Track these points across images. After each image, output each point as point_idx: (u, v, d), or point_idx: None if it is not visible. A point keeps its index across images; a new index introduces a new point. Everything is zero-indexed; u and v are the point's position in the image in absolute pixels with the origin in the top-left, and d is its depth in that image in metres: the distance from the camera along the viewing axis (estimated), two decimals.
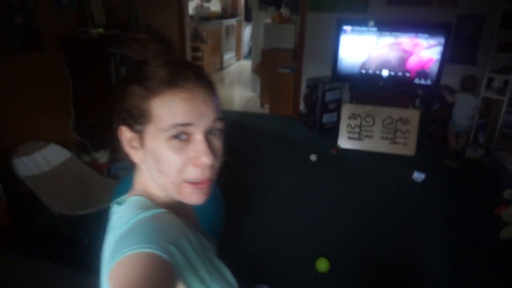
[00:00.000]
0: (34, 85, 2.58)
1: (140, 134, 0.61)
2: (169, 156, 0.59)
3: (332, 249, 2.25)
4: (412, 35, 3.68)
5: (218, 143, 0.63)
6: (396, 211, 2.71)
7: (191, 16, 6.26)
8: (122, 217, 0.62)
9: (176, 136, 0.58)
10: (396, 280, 2.06)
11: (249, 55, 8.33)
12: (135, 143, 0.63)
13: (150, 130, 0.60)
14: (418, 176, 3.13)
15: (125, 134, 0.63)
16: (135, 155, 0.64)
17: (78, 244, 2.21)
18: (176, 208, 0.68)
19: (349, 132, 3.80)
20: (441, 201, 2.86)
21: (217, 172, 0.66)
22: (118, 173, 2.82)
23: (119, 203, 0.68)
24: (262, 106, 5.15)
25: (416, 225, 2.56)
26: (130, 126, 0.62)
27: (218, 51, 7.29)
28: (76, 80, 2.82)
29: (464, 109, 3.64)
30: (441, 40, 3.61)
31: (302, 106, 4.53)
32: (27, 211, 2.35)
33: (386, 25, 3.74)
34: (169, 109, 0.58)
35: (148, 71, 0.60)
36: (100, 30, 2.77)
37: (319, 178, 3.20)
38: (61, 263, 1.97)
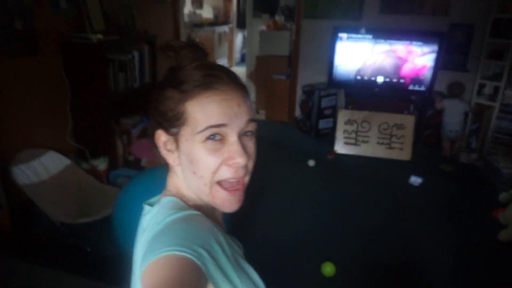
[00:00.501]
0: (32, 90, 2.54)
1: (175, 136, 0.63)
2: (204, 157, 0.60)
3: (335, 253, 2.26)
4: (407, 42, 3.76)
5: (251, 144, 0.64)
6: (396, 215, 2.75)
7: (184, 23, 6.27)
8: (155, 217, 0.63)
9: (211, 138, 0.59)
10: (397, 282, 2.08)
11: (241, 62, 8.37)
12: (170, 146, 0.65)
13: (185, 133, 0.61)
14: (415, 180, 3.18)
15: (161, 138, 0.65)
16: (171, 158, 0.65)
17: (79, 252, 2.17)
18: (207, 211, 0.69)
19: (345, 137, 3.84)
20: (439, 204, 2.91)
21: (250, 175, 0.67)
22: (117, 180, 2.78)
23: (151, 204, 0.70)
24: (257, 112, 5.17)
25: (415, 228, 2.59)
26: (166, 129, 0.64)
27: (211, 58, 7.16)
28: (74, 86, 2.78)
29: (453, 115, 3.70)
30: (435, 47, 3.70)
31: (297, 112, 4.56)
32: (28, 218, 2.30)
33: (381, 32, 3.82)
34: (204, 111, 0.59)
35: (183, 75, 0.62)
36: (99, 36, 2.75)
37: (318, 182, 3.22)
38: (63, 269, 1.93)
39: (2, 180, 2.10)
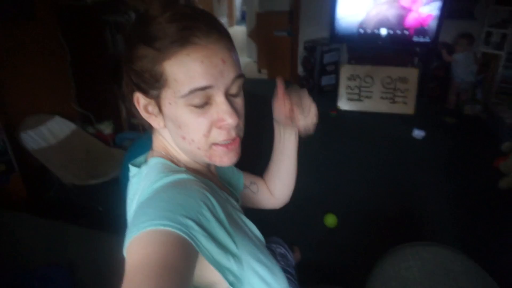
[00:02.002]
0: (31, 56, 2.53)
1: (156, 99, 0.57)
2: (192, 122, 0.56)
3: (338, 205, 2.34)
4: None
5: (239, 100, 0.61)
6: (398, 167, 2.79)
7: None
8: (144, 180, 0.60)
9: (197, 102, 0.55)
10: (400, 231, 2.16)
11: (242, 20, 8.15)
12: (152, 109, 0.59)
13: (167, 95, 0.56)
14: (418, 133, 3.20)
15: (140, 101, 0.59)
16: (154, 121, 0.60)
17: (92, 213, 2.27)
18: (200, 167, 0.67)
19: (348, 93, 3.82)
20: (441, 156, 2.94)
21: (243, 130, 0.64)
22: (124, 143, 2.84)
23: (137, 165, 0.67)
24: (259, 71, 5.11)
25: (418, 179, 2.65)
26: (145, 92, 0.57)
27: None
28: (73, 50, 2.76)
29: (466, 67, 3.63)
30: None
31: (300, 70, 4.51)
32: (41, 182, 2.39)
33: None
34: (185, 72, 0.53)
35: (156, 29, 0.54)
36: None
37: (320, 139, 3.25)
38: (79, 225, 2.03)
39: (13, 145, 2.15)
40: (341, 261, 1.94)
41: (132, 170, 0.66)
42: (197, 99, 0.55)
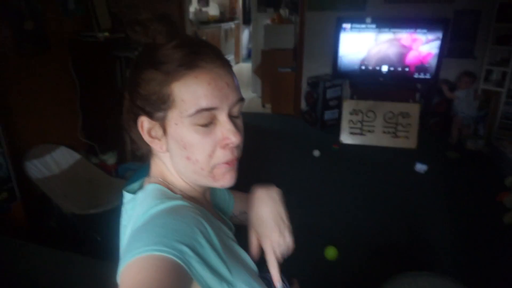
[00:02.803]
0: (43, 89, 2.64)
1: (161, 121, 0.59)
2: (198, 141, 0.58)
3: (339, 238, 2.30)
4: (411, 30, 3.74)
5: (240, 122, 0.64)
6: (401, 201, 2.77)
7: (190, 21, 6.34)
8: (139, 206, 0.60)
9: (202, 122, 0.57)
10: (402, 264, 2.11)
11: (248, 57, 8.41)
12: (156, 132, 0.61)
13: (174, 116, 0.58)
14: (420, 167, 3.18)
15: (144, 124, 0.60)
16: (157, 145, 0.62)
17: (90, 242, 2.26)
18: (196, 195, 0.68)
19: (351, 127, 3.85)
20: (444, 190, 2.91)
21: (241, 151, 0.66)
22: (126, 174, 2.87)
23: (132, 191, 0.67)
24: (263, 106, 5.21)
25: (421, 214, 2.61)
26: (150, 115, 0.59)
27: None
28: (83, 83, 2.87)
29: (467, 101, 3.67)
30: (439, 34, 3.68)
31: (303, 104, 4.59)
32: (42, 211, 2.40)
33: (385, 21, 3.81)
34: (193, 92, 0.56)
35: (164, 54, 0.57)
36: (106, 33, 2.83)
37: (323, 172, 3.26)
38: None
39: (17, 174, 2.19)
40: None
41: (126, 196, 0.67)
42: (202, 119, 0.57)
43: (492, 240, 2.32)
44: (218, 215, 0.77)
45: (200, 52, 0.57)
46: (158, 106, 0.58)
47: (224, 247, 0.59)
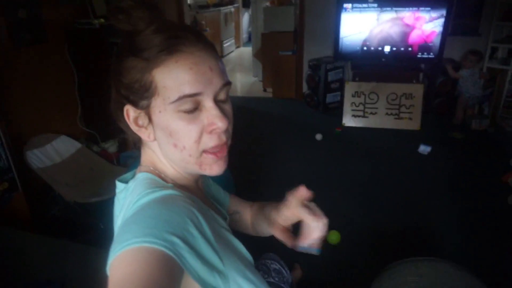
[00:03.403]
0: (41, 78, 2.61)
1: (146, 109, 0.58)
2: (183, 128, 0.56)
3: (342, 222, 2.29)
4: (413, 8, 3.65)
5: (228, 107, 0.61)
6: (404, 183, 2.74)
7: (189, 5, 6.23)
8: (131, 195, 0.59)
9: (186, 108, 0.56)
10: (405, 247, 2.10)
11: (248, 41, 8.30)
12: (142, 121, 0.60)
13: (157, 104, 0.56)
14: (424, 148, 3.15)
15: (130, 113, 0.59)
16: (144, 134, 0.60)
17: (94, 230, 2.27)
18: (187, 184, 0.67)
19: (353, 110, 3.81)
20: (448, 171, 2.88)
21: (231, 136, 0.64)
22: (128, 162, 2.87)
23: (124, 180, 0.67)
24: (264, 90, 5.16)
25: (424, 195, 2.59)
26: (134, 103, 0.58)
27: (217, 39, 7.27)
28: (81, 71, 2.84)
29: (472, 80, 3.60)
30: (443, 12, 3.58)
31: (305, 88, 4.54)
32: (44, 201, 2.41)
33: (387, 0, 3.71)
34: (174, 78, 0.54)
35: (142, 40, 0.56)
36: (102, 20, 2.78)
37: (326, 155, 3.23)
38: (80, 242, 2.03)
39: (17, 164, 2.19)
40: (344, 278, 1.89)
41: (119, 186, 0.66)
42: (186, 105, 0.55)
43: (497, 221, 2.30)
44: (212, 204, 0.76)
45: (180, 36, 0.56)
46: (141, 94, 0.57)
47: (217, 237, 0.58)
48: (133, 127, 0.60)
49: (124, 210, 0.58)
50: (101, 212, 2.34)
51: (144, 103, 0.57)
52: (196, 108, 0.56)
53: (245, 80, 5.94)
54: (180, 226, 0.51)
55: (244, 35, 8.78)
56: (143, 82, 0.56)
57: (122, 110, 0.60)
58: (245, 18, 8.58)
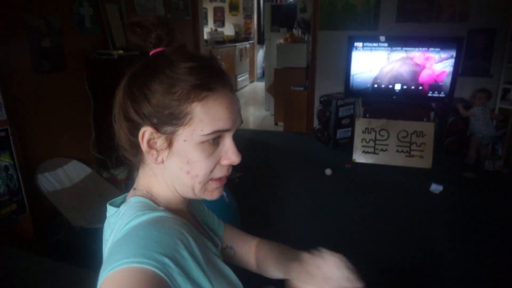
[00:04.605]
0: (59, 104, 2.71)
1: (168, 135, 0.59)
2: (203, 160, 0.60)
3: (350, 259, 2.22)
4: (423, 49, 3.71)
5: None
6: (415, 221, 2.67)
7: (206, 41, 6.48)
8: (121, 219, 0.59)
9: (211, 142, 0.60)
10: (415, 287, 2.02)
11: (262, 76, 8.49)
12: (157, 144, 0.60)
13: (184, 133, 0.58)
14: (435, 187, 3.09)
15: (146, 135, 0.59)
16: (152, 156, 0.60)
17: (97, 255, 2.25)
18: (180, 208, 0.67)
19: (363, 146, 3.80)
20: (460, 211, 2.80)
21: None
22: None
23: (115, 204, 0.67)
24: (276, 124, 5.21)
25: (435, 235, 2.51)
26: (156, 126, 0.58)
27: (232, 74, 7.47)
28: (97, 99, 2.94)
29: (484, 118, 3.57)
30: (453, 53, 3.63)
31: (315, 123, 4.57)
32: (50, 225, 2.41)
33: (397, 40, 3.79)
34: (212, 115, 0.58)
35: (181, 71, 0.57)
36: (120, 51, 2.91)
37: (335, 191, 3.19)
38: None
39: (27, 186, 2.22)
40: None
41: (110, 210, 0.66)
42: (212, 139, 0.60)
43: (509, 264, 2.20)
44: (203, 230, 0.76)
45: (216, 75, 0.60)
46: (169, 121, 0.58)
47: (207, 261, 0.58)
48: (144, 147, 0.60)
49: (114, 232, 0.58)
50: None
51: (169, 129, 0.58)
52: (216, 143, 0.61)
53: (258, 114, 6.03)
54: (170, 247, 0.51)
55: (258, 70, 9.00)
56: (178, 110, 0.57)
57: (132, 128, 0.61)
58: (260, 54, 8.84)
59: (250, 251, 0.91)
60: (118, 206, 0.65)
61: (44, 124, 2.60)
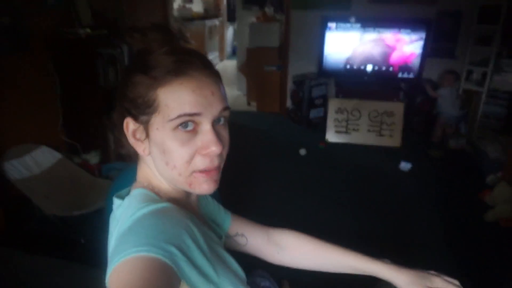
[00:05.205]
0: (22, 87, 2.54)
1: (145, 124, 0.60)
2: (176, 149, 0.58)
3: (325, 237, 2.30)
4: (395, 30, 3.79)
5: (224, 131, 0.64)
6: (385, 199, 2.80)
7: (174, 17, 6.24)
8: (125, 211, 0.60)
9: (183, 125, 0.58)
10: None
11: (232, 55, 8.36)
12: (140, 135, 0.62)
13: (156, 121, 0.59)
14: (404, 165, 3.23)
15: (129, 126, 0.62)
16: (140, 147, 0.63)
17: (74, 245, 2.20)
18: (181, 200, 0.68)
19: (336, 126, 3.88)
20: (428, 188, 2.96)
21: (224, 161, 0.67)
22: (110, 173, 2.80)
23: (121, 197, 0.68)
24: (248, 104, 5.19)
25: (405, 211, 2.65)
26: (135, 117, 0.61)
27: (202, 52, 7.28)
28: (64, 81, 2.78)
29: (452, 102, 3.74)
30: (422, 35, 3.74)
31: (289, 103, 4.59)
32: (22, 213, 2.31)
33: (369, 21, 3.84)
34: (177, 99, 0.57)
35: (153, 59, 0.59)
36: (88, 30, 2.75)
37: (309, 171, 3.26)
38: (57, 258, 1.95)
39: None
40: None
41: (116, 202, 0.67)
42: (184, 124, 0.58)
43: (474, 237, 2.37)
44: (206, 222, 0.77)
45: (188, 60, 0.59)
46: (143, 110, 0.59)
47: (210, 250, 0.60)
48: (130, 139, 0.63)
49: (119, 224, 0.59)
50: (82, 226, 2.27)
51: (144, 118, 0.60)
52: (193, 130, 0.59)
53: (229, 94, 5.96)
54: (176, 236, 0.53)
55: (228, 49, 8.84)
56: (146, 98, 0.58)
57: (121, 122, 0.63)
58: (230, 32, 8.67)
59: (264, 240, 0.93)
60: (123, 198, 0.66)
61: (8, 109, 2.44)
